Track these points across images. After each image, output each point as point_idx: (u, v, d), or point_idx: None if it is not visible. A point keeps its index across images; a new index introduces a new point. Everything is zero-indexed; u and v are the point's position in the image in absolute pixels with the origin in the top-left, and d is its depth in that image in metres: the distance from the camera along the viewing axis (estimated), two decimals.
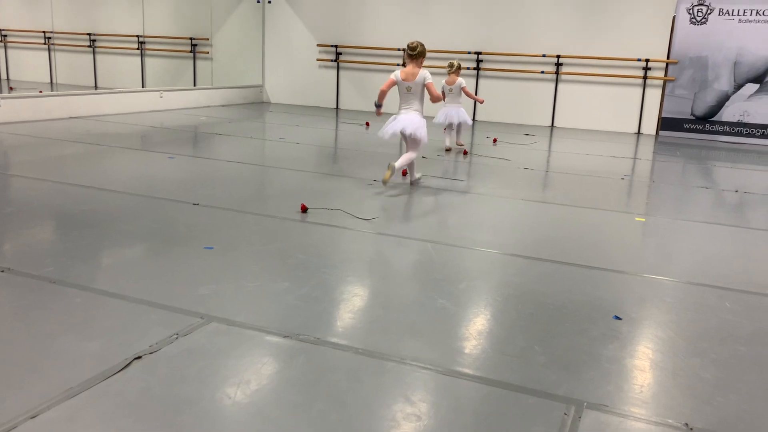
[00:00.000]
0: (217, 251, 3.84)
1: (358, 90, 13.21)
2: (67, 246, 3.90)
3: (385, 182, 5.70)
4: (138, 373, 2.38)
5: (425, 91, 5.71)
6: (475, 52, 11.94)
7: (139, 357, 2.49)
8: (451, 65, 8.15)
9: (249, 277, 3.44)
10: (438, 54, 12.12)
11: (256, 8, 13.61)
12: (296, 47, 13.49)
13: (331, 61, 13.20)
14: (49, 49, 11.57)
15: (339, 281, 3.49)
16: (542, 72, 11.73)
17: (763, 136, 10.72)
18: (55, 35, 11.38)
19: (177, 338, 2.66)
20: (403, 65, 5.93)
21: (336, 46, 13.06)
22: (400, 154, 6.26)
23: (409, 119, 5.70)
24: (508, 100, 11.98)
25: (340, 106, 13.42)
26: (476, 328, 2.97)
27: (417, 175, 6.04)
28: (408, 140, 5.84)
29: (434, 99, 5.71)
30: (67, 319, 2.83)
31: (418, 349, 2.69)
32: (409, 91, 5.68)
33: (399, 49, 12.47)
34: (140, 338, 2.64)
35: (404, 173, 6.08)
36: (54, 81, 11.64)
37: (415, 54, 5.64)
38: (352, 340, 2.75)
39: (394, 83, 5.72)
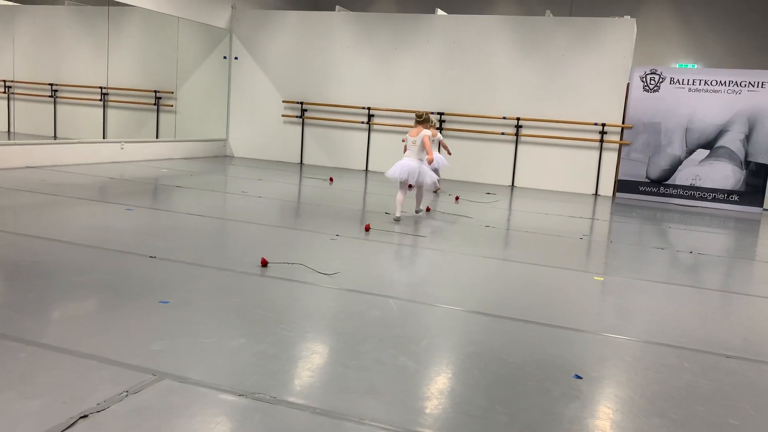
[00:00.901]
0: (172, 305, 3.74)
1: (323, 146, 13.31)
2: (14, 298, 3.74)
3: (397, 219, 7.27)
4: None
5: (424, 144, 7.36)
6: (438, 113, 12.19)
7: (86, 416, 2.36)
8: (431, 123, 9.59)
9: (204, 333, 3.34)
10: (401, 113, 12.36)
11: (223, 63, 13.73)
12: (262, 103, 13.60)
13: (297, 117, 13.32)
14: (8, 98, 11.41)
15: (298, 338, 3.41)
16: (503, 133, 12.01)
17: (714, 199, 11.09)
18: (16, 84, 11.25)
19: (126, 396, 2.55)
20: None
21: (302, 103, 13.20)
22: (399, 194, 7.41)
23: (409, 166, 7.19)
24: (469, 160, 12.20)
25: (304, 162, 13.47)
26: (438, 387, 2.92)
27: (422, 207, 7.73)
28: (416, 184, 7.40)
29: (426, 149, 7.24)
30: (8, 375, 2.69)
31: (378, 408, 2.62)
32: (414, 144, 7.30)
33: (363, 108, 12.68)
34: (87, 396, 2.52)
35: (428, 209, 8.18)
36: (12, 130, 11.43)
37: (421, 120, 7.38)
38: (310, 399, 2.67)
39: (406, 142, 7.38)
